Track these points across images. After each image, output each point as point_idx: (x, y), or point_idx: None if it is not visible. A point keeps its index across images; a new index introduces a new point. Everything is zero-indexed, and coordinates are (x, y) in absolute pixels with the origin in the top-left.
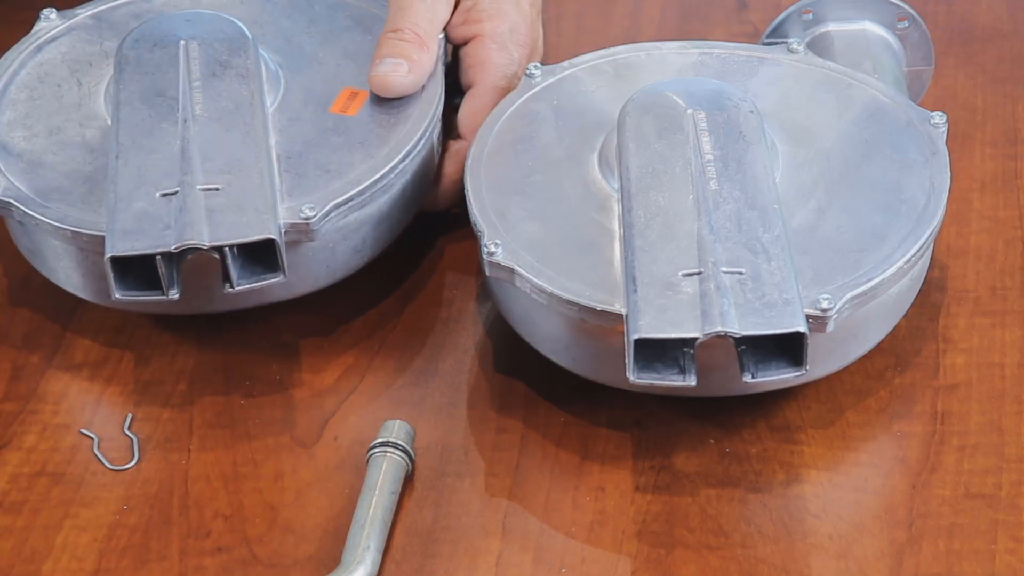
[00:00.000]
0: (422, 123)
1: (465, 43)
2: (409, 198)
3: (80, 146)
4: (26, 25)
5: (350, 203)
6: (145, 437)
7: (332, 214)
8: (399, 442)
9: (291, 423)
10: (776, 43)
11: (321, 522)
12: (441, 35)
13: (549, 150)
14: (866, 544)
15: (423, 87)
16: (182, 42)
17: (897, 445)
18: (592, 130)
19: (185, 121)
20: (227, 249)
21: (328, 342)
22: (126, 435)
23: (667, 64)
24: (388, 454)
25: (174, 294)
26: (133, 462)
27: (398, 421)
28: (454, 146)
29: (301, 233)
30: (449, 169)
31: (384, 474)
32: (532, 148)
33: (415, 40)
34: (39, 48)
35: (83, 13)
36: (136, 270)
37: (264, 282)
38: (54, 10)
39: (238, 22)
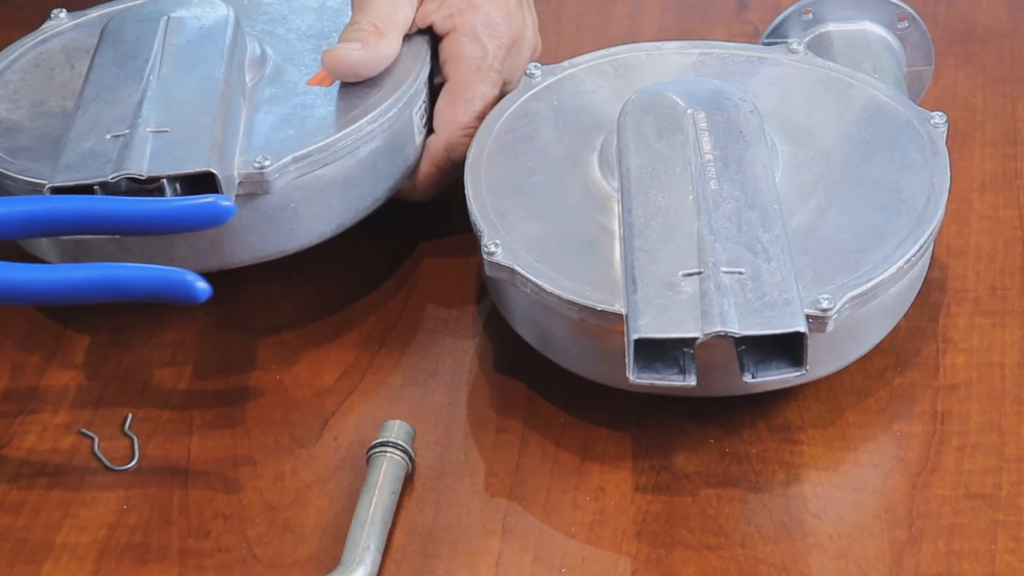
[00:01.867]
0: (395, 92)
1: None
2: (382, 167)
3: (58, 115)
4: (28, 25)
5: (310, 159)
6: (145, 437)
7: (290, 168)
8: (399, 442)
9: (291, 423)
10: (776, 43)
11: (321, 522)
12: (425, 38)
13: (549, 150)
14: (866, 544)
15: (396, 67)
16: (165, 17)
17: (897, 445)
18: (592, 130)
19: (150, 78)
20: (167, 184)
21: (328, 342)
22: (126, 435)
23: (667, 64)
24: (388, 454)
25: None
26: (133, 462)
27: (398, 421)
28: (428, 140)
29: (256, 184)
30: (423, 163)
31: (384, 474)
32: (532, 148)
33: (371, 29)
34: (44, 41)
35: (92, 14)
36: None
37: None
38: (64, 10)
39: (225, 4)
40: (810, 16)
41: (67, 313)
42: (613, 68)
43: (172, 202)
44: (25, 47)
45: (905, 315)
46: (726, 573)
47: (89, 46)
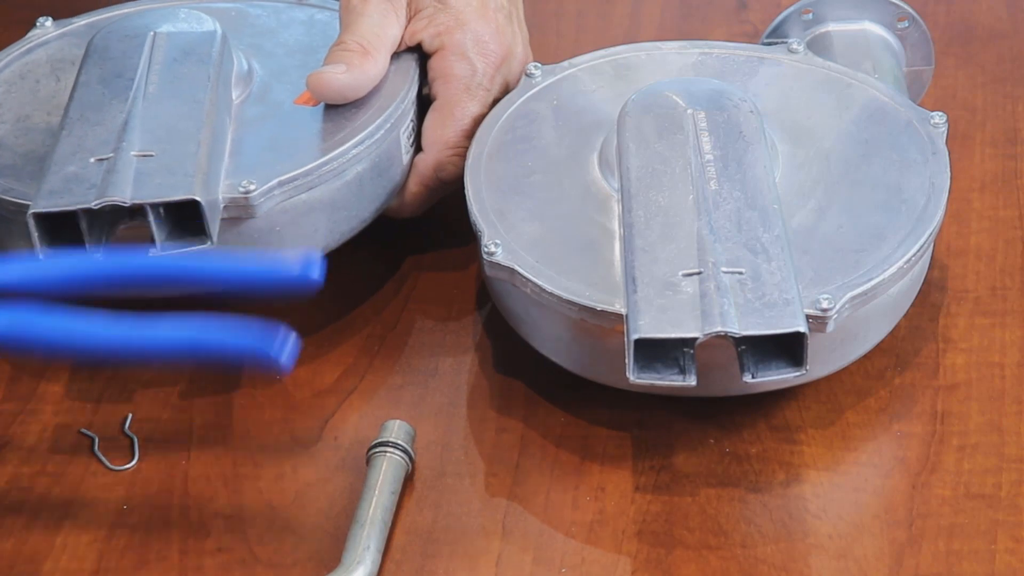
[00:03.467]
0: (382, 113)
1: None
2: (368, 189)
3: (43, 131)
4: (26, 25)
5: (295, 183)
6: (145, 437)
7: (275, 192)
8: (399, 442)
9: (291, 423)
10: (776, 43)
11: (321, 522)
12: (414, 56)
13: (549, 150)
14: (866, 544)
15: (384, 85)
16: (151, 33)
17: (897, 445)
18: (592, 130)
19: (135, 99)
20: (150, 210)
21: (328, 342)
22: (126, 435)
23: (667, 64)
24: (388, 454)
25: (98, 254)
26: (133, 462)
27: (398, 421)
28: (416, 159)
29: (241, 208)
30: (410, 182)
31: (384, 474)
32: (532, 148)
33: (358, 49)
34: (28, 51)
35: (78, 22)
36: (66, 236)
37: (190, 248)
38: (50, 18)
39: (212, 19)
40: (810, 16)
41: None
42: (613, 68)
43: (264, 271)
44: (10, 57)
45: (905, 315)
46: (726, 573)
47: (75, 57)
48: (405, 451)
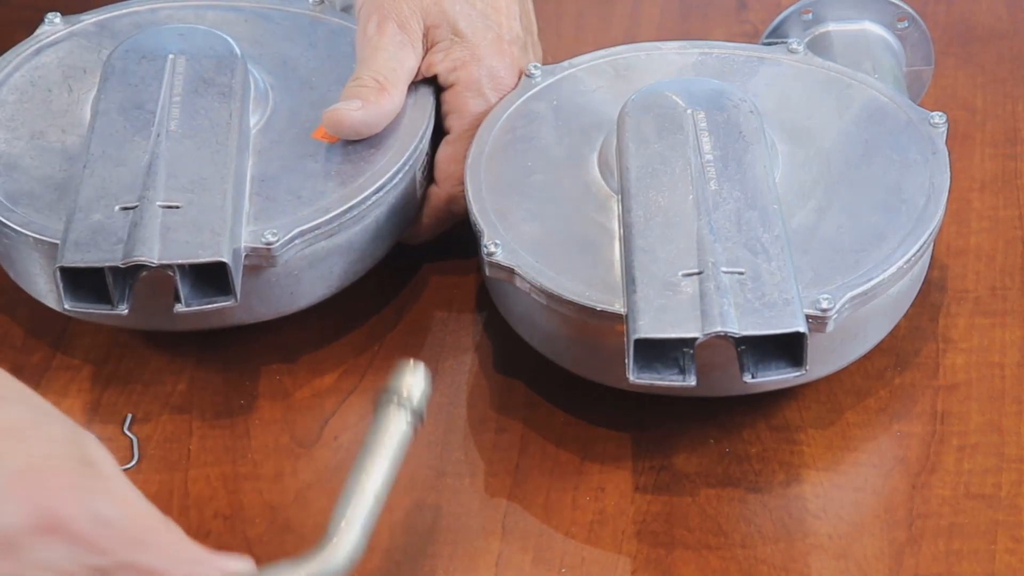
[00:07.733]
0: (401, 156)
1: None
2: (384, 230)
3: (58, 152)
4: (27, 25)
5: (316, 231)
6: (145, 437)
7: (296, 241)
8: (412, 399)
9: (291, 423)
10: (776, 43)
11: (321, 522)
12: (431, 89)
13: (549, 150)
14: (866, 544)
15: (401, 121)
16: (170, 56)
17: (897, 445)
18: (592, 130)
19: (158, 136)
20: (177, 268)
21: (328, 342)
22: (126, 435)
23: (667, 64)
24: (396, 410)
25: (123, 309)
26: (133, 462)
27: (419, 364)
28: (429, 190)
29: (262, 258)
30: (424, 213)
31: (389, 440)
32: (532, 148)
33: (374, 85)
34: (38, 51)
35: (87, 20)
36: (89, 282)
37: (215, 305)
38: (59, 14)
39: (231, 40)
40: (810, 16)
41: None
42: (613, 68)
43: None
44: (20, 57)
45: (905, 315)
46: (726, 573)
47: (86, 63)
48: (417, 412)
